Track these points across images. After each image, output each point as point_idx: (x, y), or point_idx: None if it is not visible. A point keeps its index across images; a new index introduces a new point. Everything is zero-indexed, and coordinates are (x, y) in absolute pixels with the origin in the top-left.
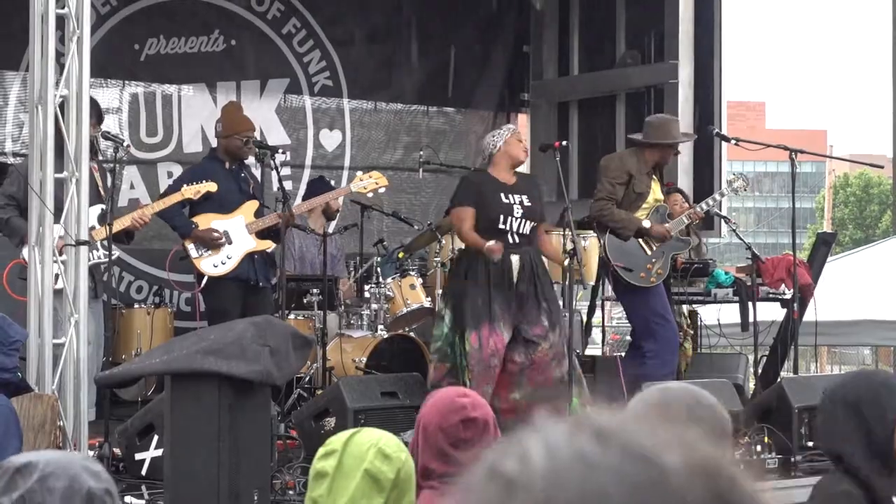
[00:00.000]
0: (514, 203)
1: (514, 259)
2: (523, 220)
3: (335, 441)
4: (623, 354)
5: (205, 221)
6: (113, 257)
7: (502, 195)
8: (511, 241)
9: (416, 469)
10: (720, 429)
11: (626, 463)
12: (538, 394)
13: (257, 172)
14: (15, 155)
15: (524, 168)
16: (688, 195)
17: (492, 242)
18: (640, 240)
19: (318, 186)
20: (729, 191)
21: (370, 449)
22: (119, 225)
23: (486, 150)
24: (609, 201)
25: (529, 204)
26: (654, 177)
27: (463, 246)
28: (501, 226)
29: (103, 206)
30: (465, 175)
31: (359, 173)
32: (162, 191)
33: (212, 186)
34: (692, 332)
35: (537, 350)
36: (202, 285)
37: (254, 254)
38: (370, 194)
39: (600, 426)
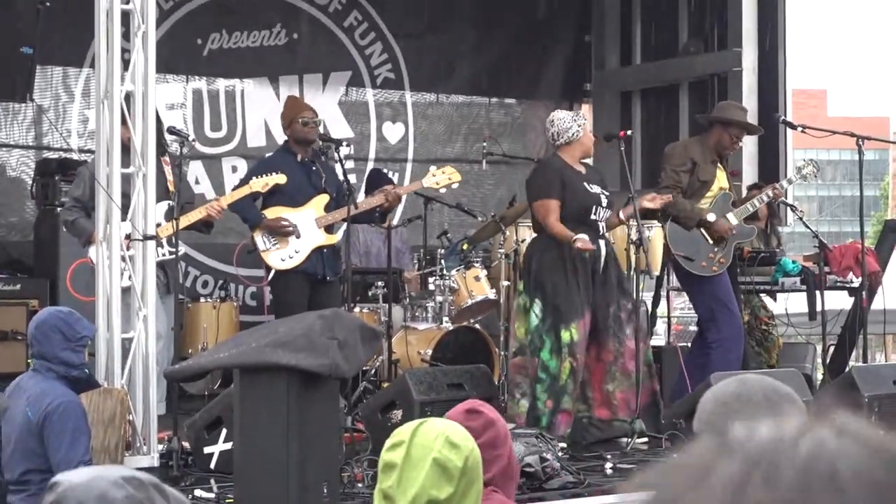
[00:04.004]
0: (600, 193)
1: (602, 244)
2: (605, 210)
3: (402, 432)
4: (688, 345)
5: (274, 215)
6: (179, 253)
7: (586, 185)
8: (599, 230)
9: None
10: None
11: (865, 456)
12: (628, 383)
13: (338, 168)
14: (80, 150)
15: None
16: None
17: (582, 237)
18: (703, 229)
19: (377, 178)
20: (798, 177)
21: (437, 438)
22: (195, 216)
23: (568, 133)
24: (673, 189)
25: (608, 193)
26: (719, 165)
27: (531, 236)
28: (593, 216)
29: (170, 202)
30: (544, 163)
31: (432, 168)
32: (227, 184)
33: (280, 179)
34: (774, 322)
35: (626, 334)
36: (269, 279)
37: (322, 248)
38: (443, 190)
39: (843, 423)
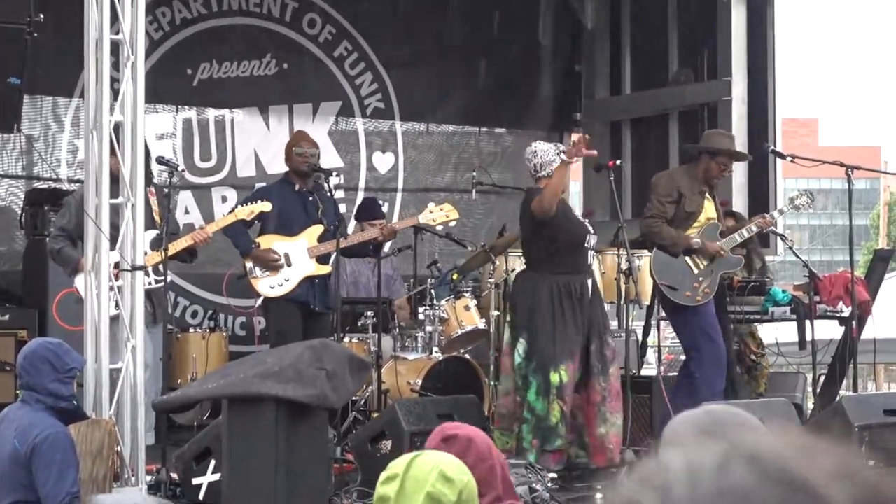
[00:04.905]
0: (587, 222)
1: (589, 282)
2: (594, 236)
3: (396, 465)
4: (675, 374)
5: (267, 242)
6: (167, 282)
7: (576, 212)
8: (588, 261)
9: None
10: None
11: (788, 499)
12: (618, 426)
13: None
14: (70, 180)
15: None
16: (744, 218)
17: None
18: (688, 258)
19: (370, 208)
20: (790, 208)
21: (432, 472)
22: (180, 244)
23: (551, 166)
24: (658, 219)
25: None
26: (707, 196)
27: (520, 266)
28: (586, 244)
29: (157, 232)
30: (535, 190)
31: (430, 204)
32: (220, 215)
33: (265, 206)
34: (762, 351)
35: (610, 372)
36: (257, 305)
37: (314, 278)
38: (440, 227)
39: (754, 452)
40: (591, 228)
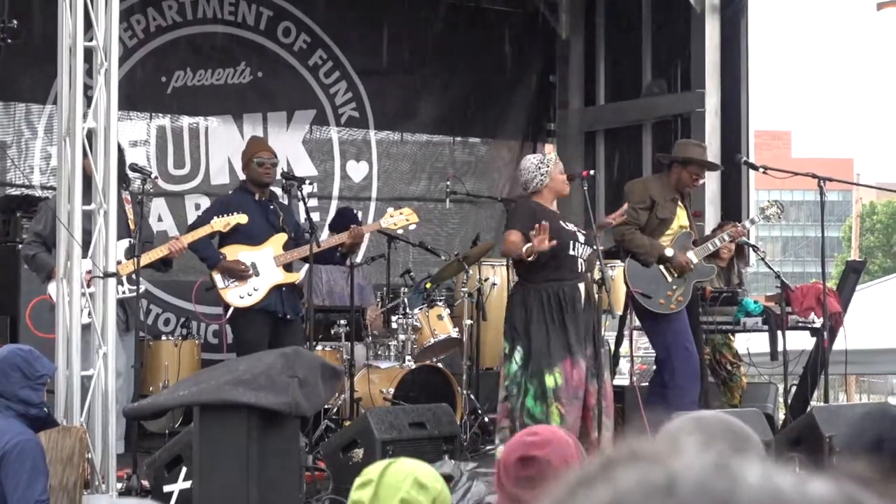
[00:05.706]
0: (576, 230)
1: (581, 287)
2: (584, 247)
3: (371, 471)
4: (646, 384)
5: (233, 253)
6: (140, 291)
7: (561, 223)
8: (578, 268)
9: None
10: None
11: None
12: (611, 430)
13: (301, 207)
14: (43, 187)
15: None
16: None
17: (530, 244)
18: (662, 266)
19: (347, 217)
20: (761, 218)
21: (406, 478)
22: (156, 254)
23: (533, 183)
24: (631, 226)
25: (585, 231)
26: (680, 204)
27: (493, 275)
28: (572, 252)
29: (131, 240)
30: (519, 203)
31: (390, 209)
32: (190, 222)
33: (242, 218)
34: (738, 362)
35: (604, 377)
36: (228, 316)
37: (281, 286)
38: (400, 230)
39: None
40: (580, 236)
